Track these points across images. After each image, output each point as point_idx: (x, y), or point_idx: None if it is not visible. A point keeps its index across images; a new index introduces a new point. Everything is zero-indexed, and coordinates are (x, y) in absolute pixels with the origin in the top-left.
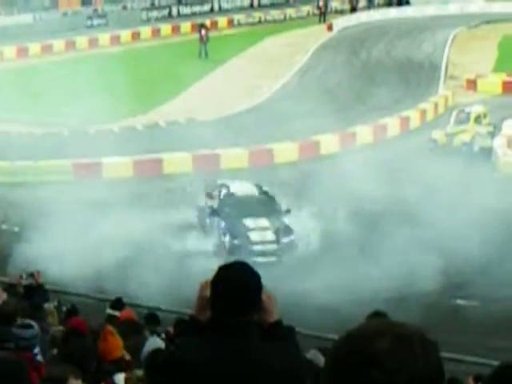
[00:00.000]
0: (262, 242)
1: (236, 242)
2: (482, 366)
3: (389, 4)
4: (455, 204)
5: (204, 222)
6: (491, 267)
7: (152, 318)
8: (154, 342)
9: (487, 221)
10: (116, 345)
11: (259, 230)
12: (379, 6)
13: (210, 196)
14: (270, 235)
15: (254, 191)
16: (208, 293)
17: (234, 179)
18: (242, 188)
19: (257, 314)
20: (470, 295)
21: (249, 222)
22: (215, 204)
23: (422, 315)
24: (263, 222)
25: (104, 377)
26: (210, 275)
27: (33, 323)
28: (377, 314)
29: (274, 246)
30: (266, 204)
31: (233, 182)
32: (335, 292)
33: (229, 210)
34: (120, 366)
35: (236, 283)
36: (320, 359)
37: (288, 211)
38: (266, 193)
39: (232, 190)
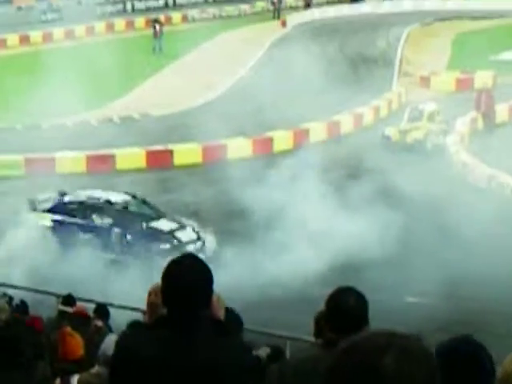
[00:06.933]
0: None
1: None
2: None
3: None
4: (408, 200)
5: None
6: (442, 265)
7: (102, 311)
8: (111, 340)
9: (442, 217)
10: (76, 344)
11: None
12: (333, 3)
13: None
14: None
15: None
16: (157, 298)
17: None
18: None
19: (207, 309)
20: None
21: None
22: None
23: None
24: None
25: (61, 375)
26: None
27: None
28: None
29: None
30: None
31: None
32: None
33: None
34: (81, 365)
35: (186, 279)
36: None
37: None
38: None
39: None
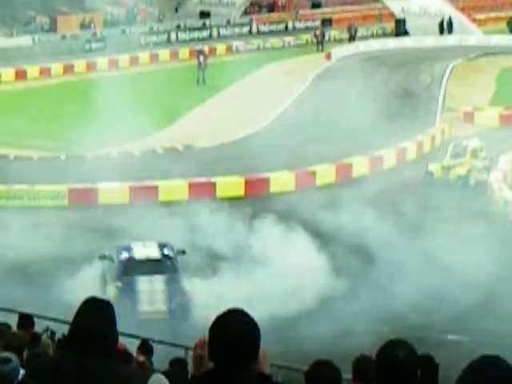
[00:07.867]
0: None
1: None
2: None
3: (397, 34)
4: (450, 237)
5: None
6: (484, 303)
7: (145, 346)
8: (157, 379)
9: (482, 254)
10: None
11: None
12: (377, 36)
13: (103, 258)
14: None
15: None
16: (203, 351)
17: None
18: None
19: (254, 364)
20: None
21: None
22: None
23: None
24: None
25: None
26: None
27: (11, 356)
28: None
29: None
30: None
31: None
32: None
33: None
34: None
35: (234, 333)
36: None
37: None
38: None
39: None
